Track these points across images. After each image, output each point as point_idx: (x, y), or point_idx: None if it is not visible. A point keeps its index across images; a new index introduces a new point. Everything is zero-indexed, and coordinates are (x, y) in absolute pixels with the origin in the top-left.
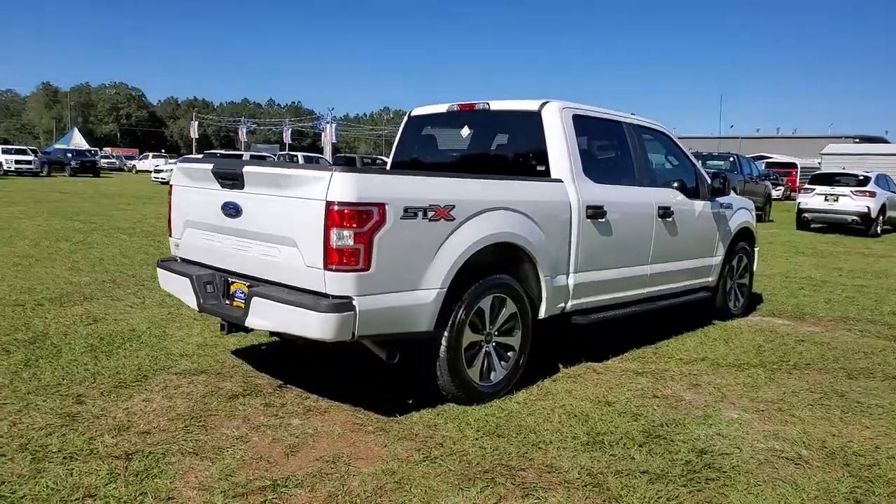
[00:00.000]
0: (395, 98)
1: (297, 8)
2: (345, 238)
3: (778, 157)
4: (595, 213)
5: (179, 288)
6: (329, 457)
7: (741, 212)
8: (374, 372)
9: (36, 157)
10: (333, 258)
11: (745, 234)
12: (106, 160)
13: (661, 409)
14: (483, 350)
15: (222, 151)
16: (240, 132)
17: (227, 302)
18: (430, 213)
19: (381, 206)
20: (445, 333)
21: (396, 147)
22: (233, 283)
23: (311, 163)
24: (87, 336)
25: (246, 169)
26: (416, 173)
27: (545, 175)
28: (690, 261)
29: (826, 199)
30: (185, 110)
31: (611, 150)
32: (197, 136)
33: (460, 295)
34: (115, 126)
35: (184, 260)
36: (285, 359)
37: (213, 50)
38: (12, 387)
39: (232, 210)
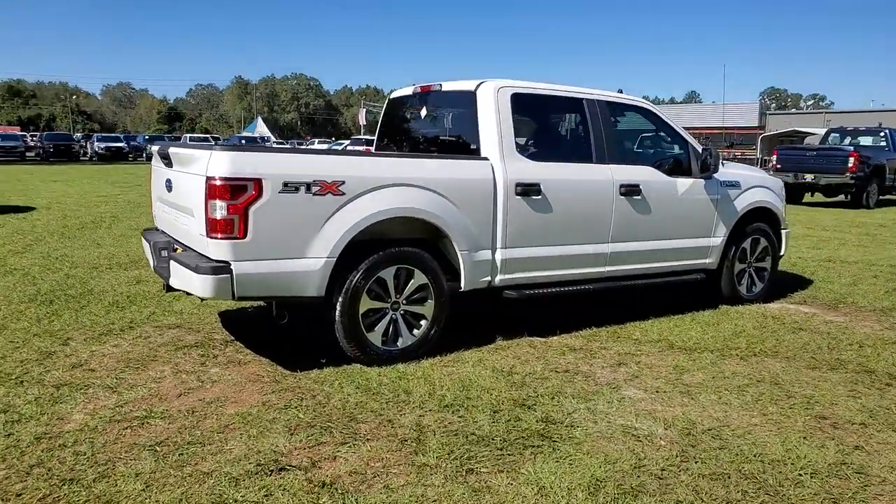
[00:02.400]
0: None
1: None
2: (220, 209)
3: None
4: (527, 190)
5: (146, 252)
6: (210, 399)
7: (755, 190)
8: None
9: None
10: (212, 227)
11: (763, 215)
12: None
13: (554, 382)
14: (388, 317)
15: (367, 137)
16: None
17: (165, 265)
18: (315, 188)
19: (257, 180)
20: (340, 299)
21: (379, 128)
22: (176, 248)
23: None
24: (119, 294)
25: (171, 150)
26: (299, 150)
27: (477, 153)
28: (675, 241)
29: None
30: (358, 98)
31: (561, 128)
32: (365, 123)
33: (356, 264)
34: (295, 115)
35: (157, 229)
36: (257, 321)
37: (384, 39)
38: (27, 329)
39: (168, 185)
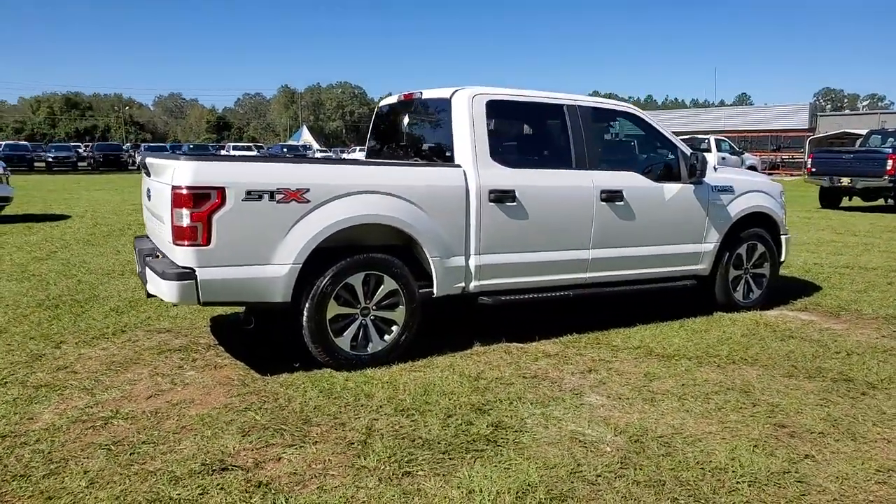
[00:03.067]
0: (605, 83)
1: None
2: (184, 217)
3: None
4: (501, 196)
5: (135, 259)
6: (178, 400)
7: (750, 196)
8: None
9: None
10: (177, 234)
11: (760, 220)
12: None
13: (518, 387)
14: (358, 322)
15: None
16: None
17: (143, 271)
18: (279, 196)
19: (220, 189)
20: (307, 305)
21: (369, 136)
22: (157, 255)
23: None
24: (122, 299)
25: (147, 160)
26: (263, 159)
27: (452, 160)
28: (663, 247)
29: None
30: None
31: (540, 134)
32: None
33: (323, 270)
34: (340, 123)
35: (146, 236)
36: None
37: (427, 46)
38: (25, 332)
39: (148, 194)
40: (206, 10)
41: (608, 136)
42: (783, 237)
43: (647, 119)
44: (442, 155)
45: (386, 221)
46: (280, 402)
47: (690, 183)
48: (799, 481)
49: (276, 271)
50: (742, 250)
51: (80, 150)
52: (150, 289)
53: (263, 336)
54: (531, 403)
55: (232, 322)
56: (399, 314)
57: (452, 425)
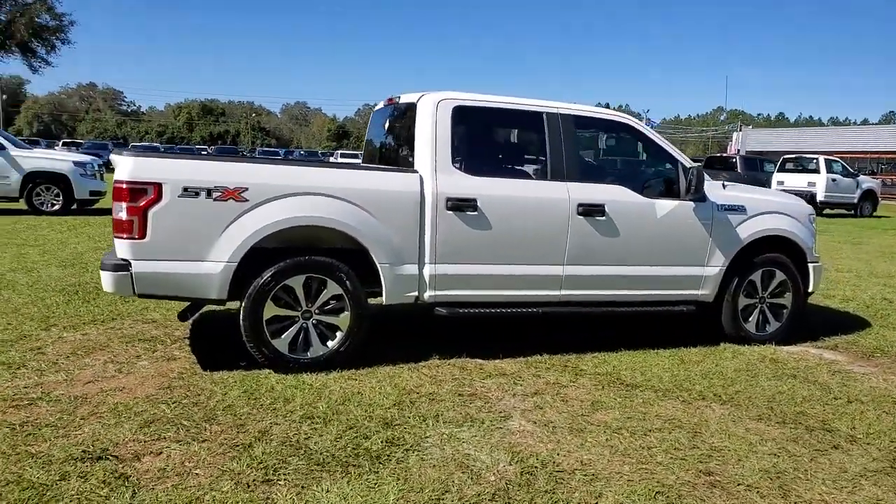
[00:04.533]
0: (731, 98)
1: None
2: (122, 210)
3: None
4: (459, 205)
5: None
6: (110, 388)
7: (766, 217)
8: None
9: None
10: (116, 227)
11: (780, 245)
12: None
13: (445, 405)
14: (298, 325)
15: None
16: None
17: None
18: (216, 194)
19: (157, 185)
20: (243, 304)
21: (365, 139)
22: None
23: None
24: None
25: (112, 157)
26: (203, 157)
27: (412, 165)
28: (654, 268)
29: None
30: None
31: (511, 142)
32: None
33: (260, 270)
34: None
35: None
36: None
37: (538, 50)
38: (31, 314)
39: None
40: (335, 23)
41: (596, 147)
42: (811, 265)
43: (642, 130)
44: (407, 160)
45: (328, 224)
46: (200, 398)
47: (690, 200)
48: None
49: (210, 268)
50: (756, 277)
51: (205, 152)
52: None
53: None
54: (445, 423)
55: (218, 318)
56: (343, 320)
57: (347, 437)
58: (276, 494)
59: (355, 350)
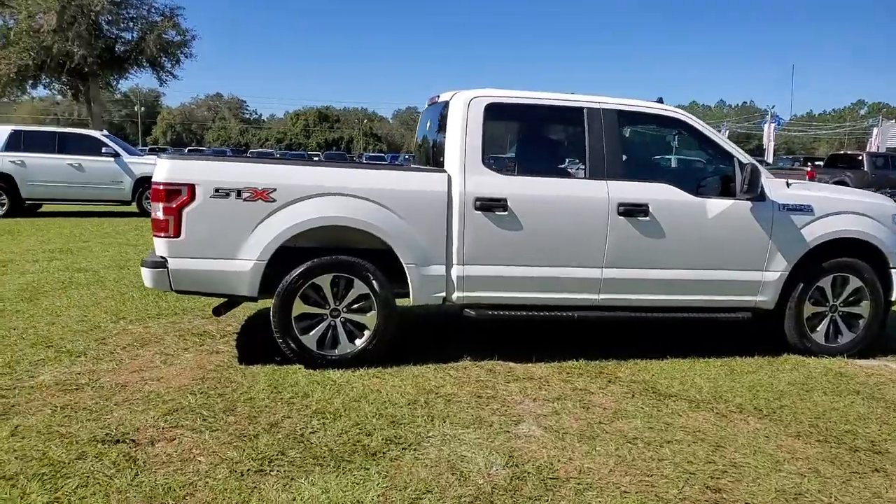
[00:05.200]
0: (873, 89)
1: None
2: (158, 210)
3: None
4: (489, 205)
5: None
6: (150, 377)
7: (838, 218)
8: None
9: None
10: (154, 226)
11: (857, 249)
12: None
13: (458, 406)
14: (326, 323)
15: None
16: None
17: None
18: (245, 194)
19: (191, 185)
20: (273, 301)
21: (416, 139)
22: None
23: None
24: None
25: (161, 158)
26: (234, 159)
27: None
28: (704, 271)
29: None
30: None
31: (547, 140)
32: None
33: (289, 269)
34: None
35: None
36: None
37: (654, 58)
38: (106, 308)
39: None
40: (443, 27)
41: (641, 143)
42: (894, 271)
43: (694, 124)
44: (438, 160)
45: (354, 224)
46: (227, 390)
47: (747, 199)
48: None
49: (241, 266)
50: (825, 283)
51: (316, 157)
52: None
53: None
54: (452, 424)
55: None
56: (370, 319)
57: (350, 433)
58: (265, 484)
59: (384, 348)
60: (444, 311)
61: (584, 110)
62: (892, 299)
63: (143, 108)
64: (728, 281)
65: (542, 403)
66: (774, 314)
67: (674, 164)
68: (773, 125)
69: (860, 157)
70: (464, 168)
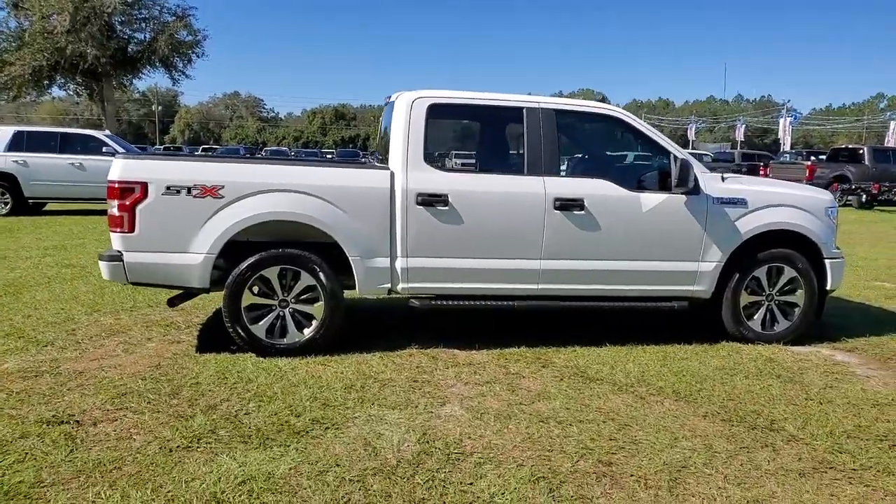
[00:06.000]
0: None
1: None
2: (113, 207)
3: None
4: (430, 200)
5: None
6: (109, 365)
7: (773, 210)
8: None
9: None
10: (110, 222)
11: (790, 239)
12: None
13: (392, 389)
14: (275, 313)
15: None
16: (689, 131)
17: None
18: (195, 192)
19: (143, 183)
20: (224, 292)
21: (378, 134)
22: None
23: None
24: None
25: (115, 159)
26: (184, 157)
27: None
28: (640, 262)
29: None
30: (642, 112)
31: (488, 138)
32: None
33: (238, 262)
34: None
35: None
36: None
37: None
38: (83, 301)
39: None
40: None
41: (580, 141)
42: (828, 261)
43: (630, 121)
44: (385, 158)
45: (298, 219)
46: (177, 376)
47: (681, 193)
48: None
49: (192, 259)
50: (761, 273)
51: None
52: None
53: None
54: (380, 406)
55: None
56: (317, 309)
57: (281, 414)
58: (189, 459)
59: (332, 337)
60: (398, 304)
61: (524, 110)
62: (828, 288)
63: (160, 108)
64: (664, 271)
65: (473, 387)
66: (712, 303)
67: (610, 161)
68: (788, 119)
69: (861, 152)
70: (406, 165)
